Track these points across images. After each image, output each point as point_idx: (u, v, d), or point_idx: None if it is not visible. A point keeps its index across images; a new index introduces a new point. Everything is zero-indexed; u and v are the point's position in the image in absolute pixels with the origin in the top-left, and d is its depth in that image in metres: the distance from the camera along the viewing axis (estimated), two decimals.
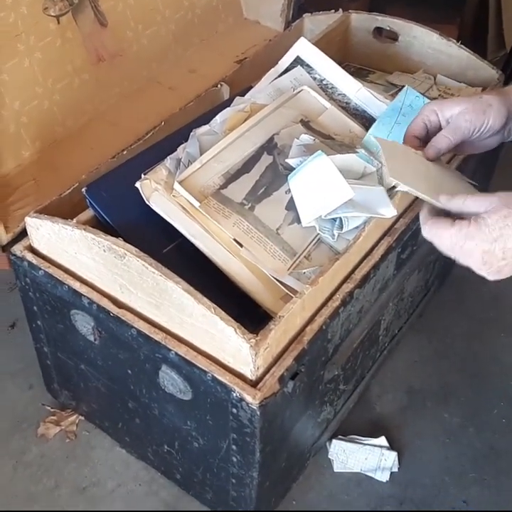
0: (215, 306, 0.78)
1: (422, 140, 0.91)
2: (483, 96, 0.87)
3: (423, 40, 1.27)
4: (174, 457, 1.04)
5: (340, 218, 0.92)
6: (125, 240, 0.85)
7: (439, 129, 0.90)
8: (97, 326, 0.94)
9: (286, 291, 0.87)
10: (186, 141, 1.00)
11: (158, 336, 0.86)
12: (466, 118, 0.86)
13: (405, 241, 1.00)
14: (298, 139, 1.01)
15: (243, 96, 1.10)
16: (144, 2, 1.25)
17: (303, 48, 1.14)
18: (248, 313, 0.87)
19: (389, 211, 0.90)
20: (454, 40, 1.23)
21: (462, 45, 1.22)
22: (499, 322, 1.40)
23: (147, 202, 0.92)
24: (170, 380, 0.88)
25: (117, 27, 1.22)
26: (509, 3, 1.89)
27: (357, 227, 0.92)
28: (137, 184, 0.93)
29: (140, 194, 0.92)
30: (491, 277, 0.76)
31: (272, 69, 1.14)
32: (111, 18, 1.20)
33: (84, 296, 0.92)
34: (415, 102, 1.04)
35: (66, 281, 0.93)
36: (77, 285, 0.92)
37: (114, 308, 0.89)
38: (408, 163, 0.88)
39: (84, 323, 0.95)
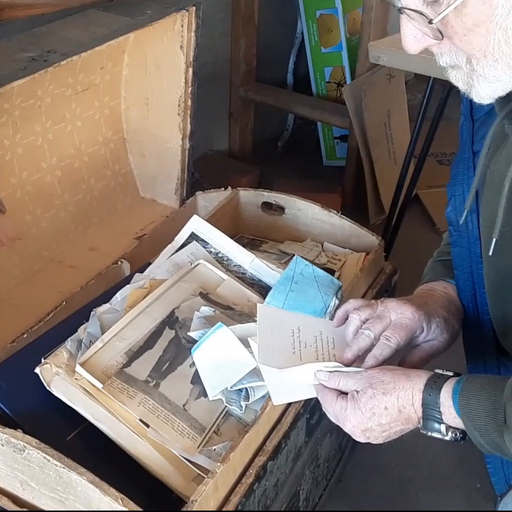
0: (123, 496, 0.75)
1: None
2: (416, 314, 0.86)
3: (307, 212, 1.37)
4: None
5: (247, 388, 0.92)
6: (25, 431, 0.82)
7: None
8: None
9: (198, 471, 0.85)
10: (87, 320, 1.00)
11: None
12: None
13: (313, 406, 1.01)
14: (198, 311, 1.03)
15: (142, 272, 1.13)
16: (42, 187, 1.30)
17: (197, 225, 1.20)
18: (161, 498, 0.84)
19: None
20: (335, 211, 1.34)
21: (343, 215, 1.33)
22: (417, 480, 1.39)
23: (48, 387, 0.89)
24: None
25: (16, 212, 1.24)
26: (382, 171, 2.08)
27: (263, 397, 0.92)
28: (37, 369, 0.90)
29: (40, 380, 0.90)
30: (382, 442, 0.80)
31: (169, 245, 1.19)
32: (9, 204, 1.22)
33: None
34: (305, 270, 1.10)
35: None
36: None
37: (14, 508, 0.83)
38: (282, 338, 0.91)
39: None
